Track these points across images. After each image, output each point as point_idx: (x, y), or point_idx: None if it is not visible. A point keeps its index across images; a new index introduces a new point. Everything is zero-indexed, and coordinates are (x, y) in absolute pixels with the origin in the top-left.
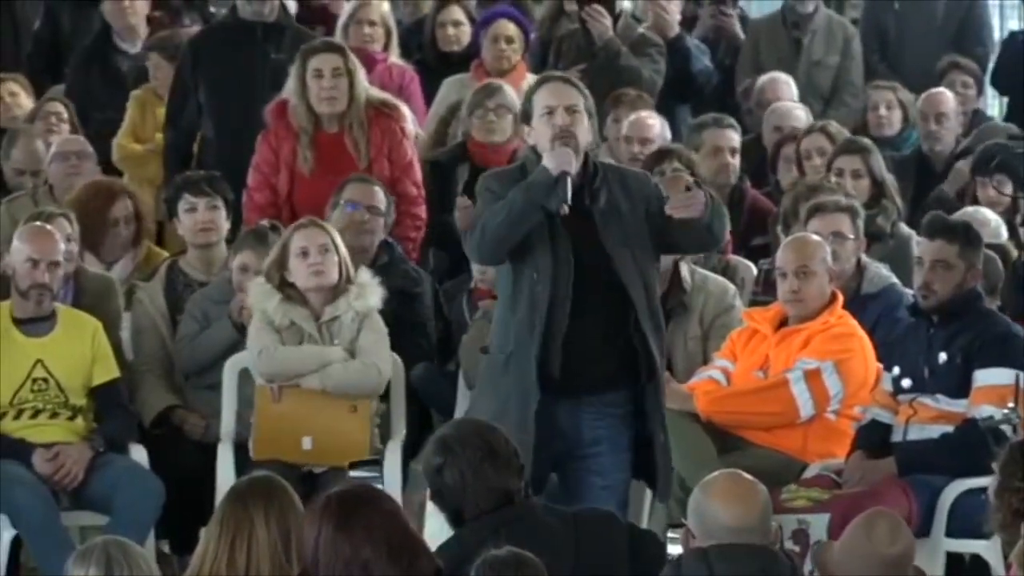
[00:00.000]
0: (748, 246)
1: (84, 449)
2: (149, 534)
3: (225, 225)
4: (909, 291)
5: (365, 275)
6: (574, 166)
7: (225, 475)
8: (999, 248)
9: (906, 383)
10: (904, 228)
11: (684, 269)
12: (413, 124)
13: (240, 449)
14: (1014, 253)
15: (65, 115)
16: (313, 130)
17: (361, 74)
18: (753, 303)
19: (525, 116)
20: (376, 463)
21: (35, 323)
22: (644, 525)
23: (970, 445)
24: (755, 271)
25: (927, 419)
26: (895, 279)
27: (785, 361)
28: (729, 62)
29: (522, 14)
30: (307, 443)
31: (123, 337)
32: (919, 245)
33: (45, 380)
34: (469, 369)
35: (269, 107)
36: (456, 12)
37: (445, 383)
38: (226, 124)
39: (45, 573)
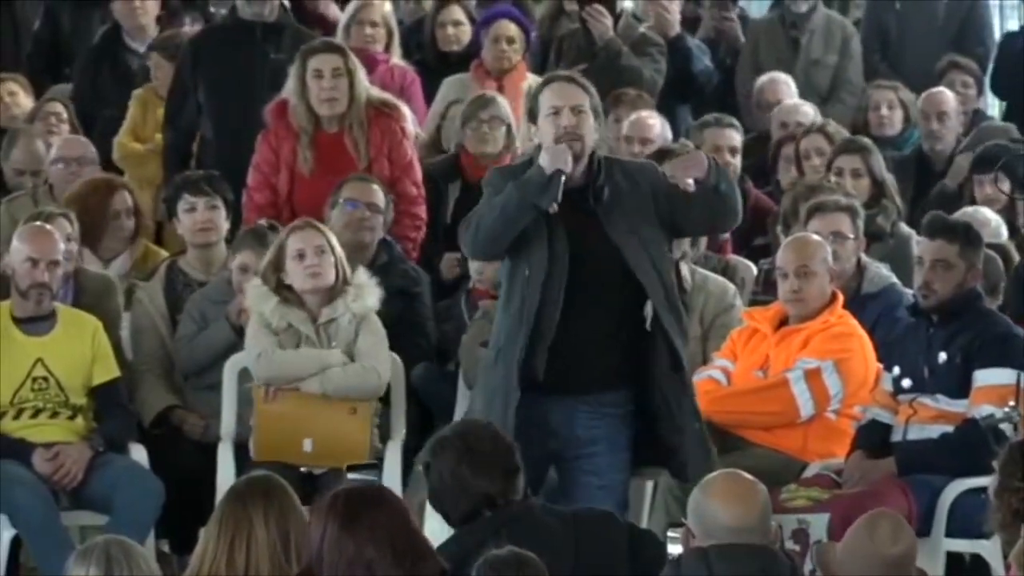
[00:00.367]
0: (749, 246)
1: (84, 449)
2: (149, 534)
3: (224, 225)
4: (909, 291)
5: (362, 276)
6: (569, 164)
7: (225, 475)
8: (999, 248)
9: (906, 383)
10: (904, 228)
11: (684, 269)
12: (413, 124)
13: (240, 449)
14: (1015, 255)
15: (65, 115)
16: (313, 130)
17: (361, 74)
18: (753, 303)
19: (531, 115)
20: (374, 467)
21: (35, 322)
22: (644, 524)
23: (970, 445)
24: (755, 271)
25: (927, 419)
26: (895, 279)
27: (785, 361)
28: (730, 62)
29: (523, 14)
30: (308, 445)
31: (123, 337)
32: (919, 245)
33: (45, 379)
34: (469, 369)
35: (269, 107)
36: (456, 12)
37: (445, 383)
38: (226, 124)
39: (45, 573)
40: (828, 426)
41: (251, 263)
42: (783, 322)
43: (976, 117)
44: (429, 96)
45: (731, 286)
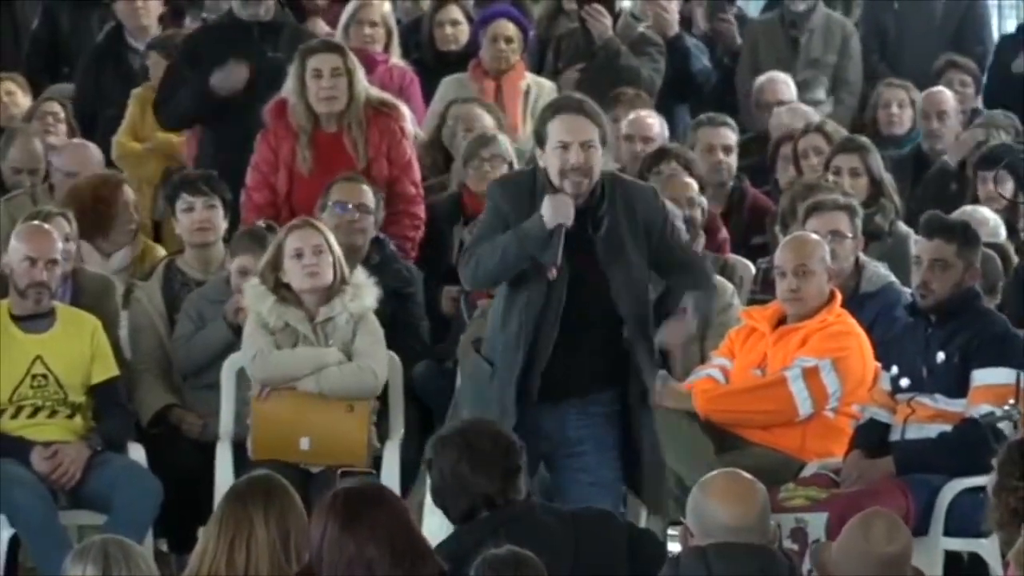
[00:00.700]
0: (747, 245)
1: (82, 448)
2: (147, 533)
3: (222, 225)
4: (907, 290)
5: (361, 275)
6: (571, 217)
7: (224, 474)
8: (998, 247)
9: (904, 382)
10: (902, 227)
11: None
12: (412, 124)
13: (238, 448)
14: (1014, 257)
15: (62, 115)
16: (312, 130)
17: (360, 73)
18: (751, 302)
19: (538, 138)
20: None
21: (34, 320)
22: (643, 524)
23: (968, 444)
24: (753, 270)
25: (925, 418)
26: (893, 278)
27: (783, 359)
28: (727, 62)
29: (521, 13)
30: (305, 443)
31: (121, 336)
32: (917, 244)
33: (44, 376)
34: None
35: (268, 106)
36: (454, 11)
37: (445, 382)
38: (224, 123)
39: (43, 572)
40: (826, 425)
41: (251, 265)
42: (781, 321)
43: (974, 116)
44: (427, 96)
45: (729, 286)
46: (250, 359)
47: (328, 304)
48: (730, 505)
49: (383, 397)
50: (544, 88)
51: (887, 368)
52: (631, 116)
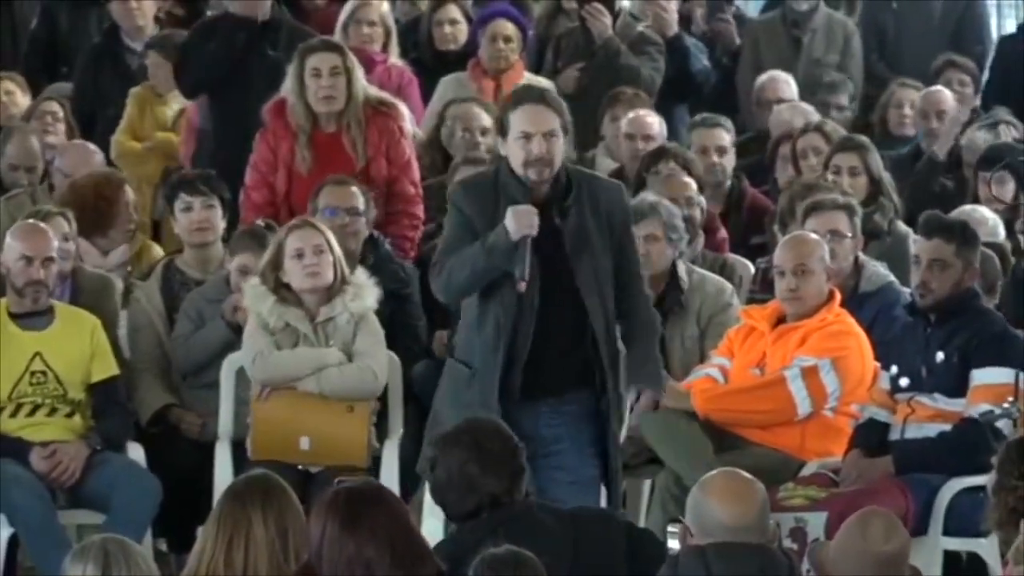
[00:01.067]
0: (747, 245)
1: (81, 447)
2: (146, 533)
3: (221, 224)
4: (907, 289)
5: (361, 275)
6: (535, 227)
7: (223, 474)
8: (996, 247)
9: (904, 382)
10: (901, 226)
11: (681, 268)
12: (411, 124)
13: (238, 448)
14: (1011, 257)
15: (61, 114)
16: (311, 129)
17: (359, 73)
18: (751, 301)
19: (501, 130)
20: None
21: (32, 317)
22: (641, 523)
23: (967, 444)
24: (752, 270)
25: (924, 418)
26: (892, 277)
27: (782, 359)
28: (726, 61)
29: (520, 12)
30: (305, 443)
31: (120, 335)
32: (916, 244)
33: (44, 373)
34: None
35: (267, 106)
36: (452, 11)
37: None
38: (223, 122)
39: (42, 572)
40: (826, 425)
41: (250, 265)
42: (780, 320)
43: (973, 115)
44: (426, 95)
45: (728, 285)
46: (250, 360)
47: (329, 304)
48: (729, 504)
49: (383, 397)
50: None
51: (886, 368)
52: (631, 115)
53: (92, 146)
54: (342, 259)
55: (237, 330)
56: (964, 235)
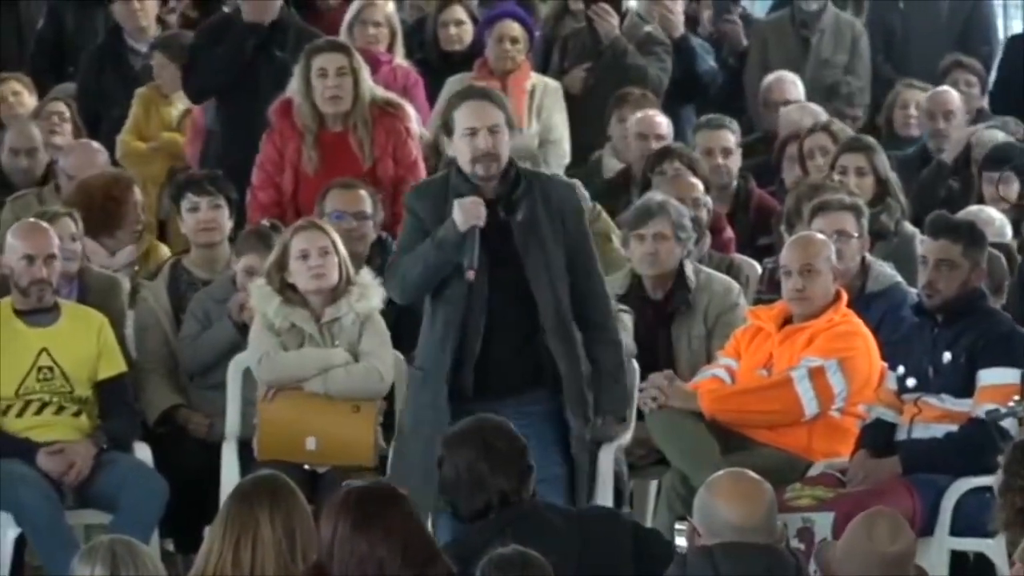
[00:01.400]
0: (754, 245)
1: (89, 446)
2: (153, 533)
3: (228, 224)
4: (913, 290)
5: (367, 276)
6: (482, 218)
7: (230, 474)
8: (1003, 247)
9: (911, 382)
10: (908, 226)
11: (688, 268)
12: (417, 124)
13: (244, 448)
14: (1018, 257)
15: (67, 114)
16: (317, 129)
17: (365, 73)
18: (758, 302)
19: (446, 129)
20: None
21: (38, 314)
22: (648, 523)
23: (975, 444)
24: (759, 270)
25: (931, 418)
26: (899, 277)
27: (789, 359)
28: (733, 62)
29: (527, 13)
30: (311, 443)
31: (127, 336)
32: (923, 244)
33: (51, 369)
34: None
35: (274, 106)
36: (458, 11)
37: None
38: (230, 122)
39: (50, 572)
40: (832, 425)
41: (256, 265)
42: (787, 321)
43: (980, 116)
44: (432, 95)
45: (735, 285)
46: (256, 361)
47: (334, 305)
48: (737, 505)
49: (389, 397)
50: (549, 87)
51: (893, 368)
52: (640, 115)
53: (97, 145)
54: (347, 260)
55: (244, 330)
56: (971, 235)
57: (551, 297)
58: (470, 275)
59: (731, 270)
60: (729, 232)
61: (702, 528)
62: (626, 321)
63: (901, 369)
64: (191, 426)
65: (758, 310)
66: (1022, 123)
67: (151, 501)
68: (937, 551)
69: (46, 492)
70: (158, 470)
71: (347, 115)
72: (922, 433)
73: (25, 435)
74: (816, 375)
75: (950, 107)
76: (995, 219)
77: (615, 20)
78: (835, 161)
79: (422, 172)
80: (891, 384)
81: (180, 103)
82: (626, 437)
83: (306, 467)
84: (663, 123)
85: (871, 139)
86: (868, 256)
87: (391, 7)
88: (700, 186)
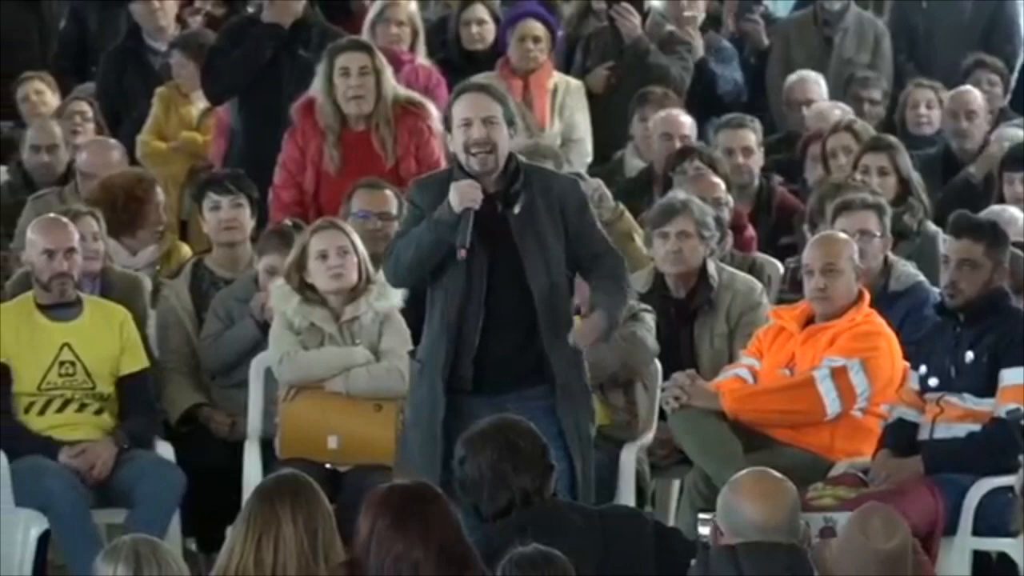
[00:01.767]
0: (776, 245)
1: (110, 445)
2: (170, 523)
3: (249, 223)
4: (936, 289)
5: None
6: (478, 201)
7: (252, 473)
8: None
9: (933, 382)
10: (931, 226)
11: (711, 267)
12: (439, 124)
13: (267, 447)
14: None
15: (90, 114)
16: (340, 129)
17: (388, 72)
18: (780, 301)
19: (447, 124)
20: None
21: (60, 308)
22: (671, 522)
23: (997, 444)
24: (782, 269)
25: (954, 418)
26: (922, 277)
27: (812, 359)
28: (754, 61)
29: (549, 12)
30: (333, 442)
31: (149, 334)
32: (946, 244)
33: (72, 364)
34: None
35: (296, 105)
36: (480, 11)
37: None
38: (253, 121)
39: (74, 571)
40: (855, 425)
41: (278, 264)
42: (810, 320)
43: (1002, 115)
44: None
45: (758, 284)
46: (277, 362)
47: (353, 303)
48: (760, 504)
49: None
50: (571, 86)
51: (916, 367)
52: (663, 114)
53: (113, 141)
54: (366, 259)
55: (266, 329)
56: (994, 235)
57: (547, 288)
58: (462, 253)
59: (753, 269)
60: (751, 231)
61: (725, 527)
62: (648, 320)
63: (923, 369)
64: (213, 425)
65: (780, 310)
66: None
67: (167, 492)
68: (959, 551)
69: (73, 483)
70: (181, 469)
71: (369, 114)
72: (944, 433)
73: (47, 433)
74: (838, 375)
75: (972, 107)
76: (1017, 218)
77: (637, 19)
78: (857, 161)
79: None
80: (913, 384)
81: (200, 102)
82: (648, 436)
83: (328, 466)
84: (686, 122)
85: (894, 139)
86: (890, 255)
87: (413, 6)
88: (722, 185)
